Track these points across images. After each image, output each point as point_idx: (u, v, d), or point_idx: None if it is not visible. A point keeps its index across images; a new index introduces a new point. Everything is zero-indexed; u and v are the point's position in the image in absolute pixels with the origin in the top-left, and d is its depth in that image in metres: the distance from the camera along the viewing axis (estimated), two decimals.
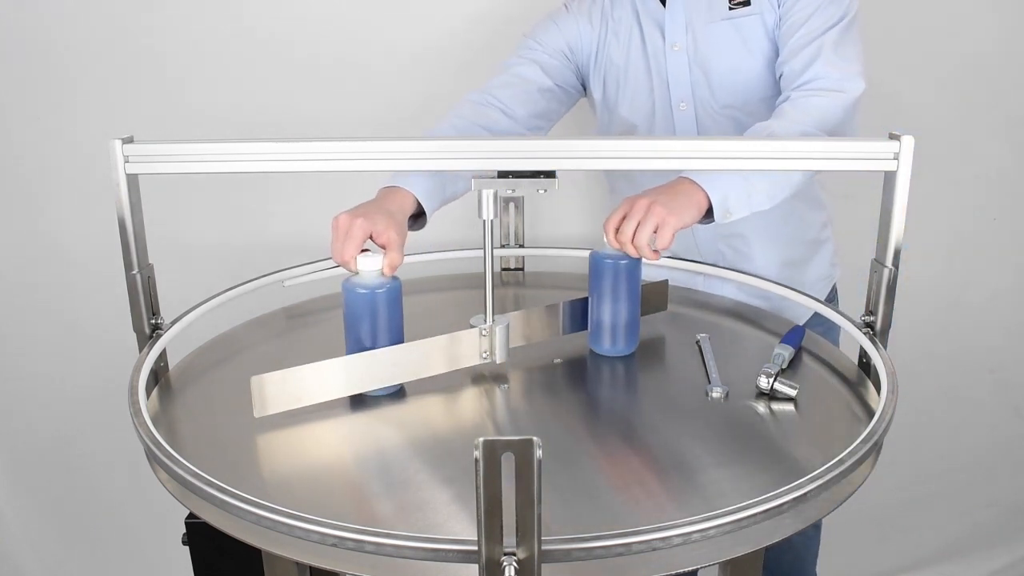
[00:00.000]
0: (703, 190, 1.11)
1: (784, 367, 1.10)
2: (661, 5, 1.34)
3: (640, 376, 1.15)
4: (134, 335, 1.11)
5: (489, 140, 1.01)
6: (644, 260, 1.12)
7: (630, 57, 1.38)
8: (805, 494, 0.80)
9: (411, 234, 1.69)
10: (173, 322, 1.14)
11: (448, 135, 1.28)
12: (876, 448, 0.91)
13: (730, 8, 1.30)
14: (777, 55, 1.29)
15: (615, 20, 1.38)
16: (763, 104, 1.33)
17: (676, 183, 1.13)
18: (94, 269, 1.71)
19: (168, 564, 1.83)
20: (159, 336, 1.11)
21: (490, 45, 1.64)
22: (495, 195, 1.03)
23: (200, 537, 1.25)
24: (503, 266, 1.52)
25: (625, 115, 1.40)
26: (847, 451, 0.86)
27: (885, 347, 1.10)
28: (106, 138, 1.02)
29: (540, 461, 0.66)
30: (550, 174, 1.02)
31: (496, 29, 1.63)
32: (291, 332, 1.29)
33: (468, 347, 1.09)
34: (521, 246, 1.51)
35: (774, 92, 1.31)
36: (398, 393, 1.08)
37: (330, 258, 1.34)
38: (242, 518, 0.80)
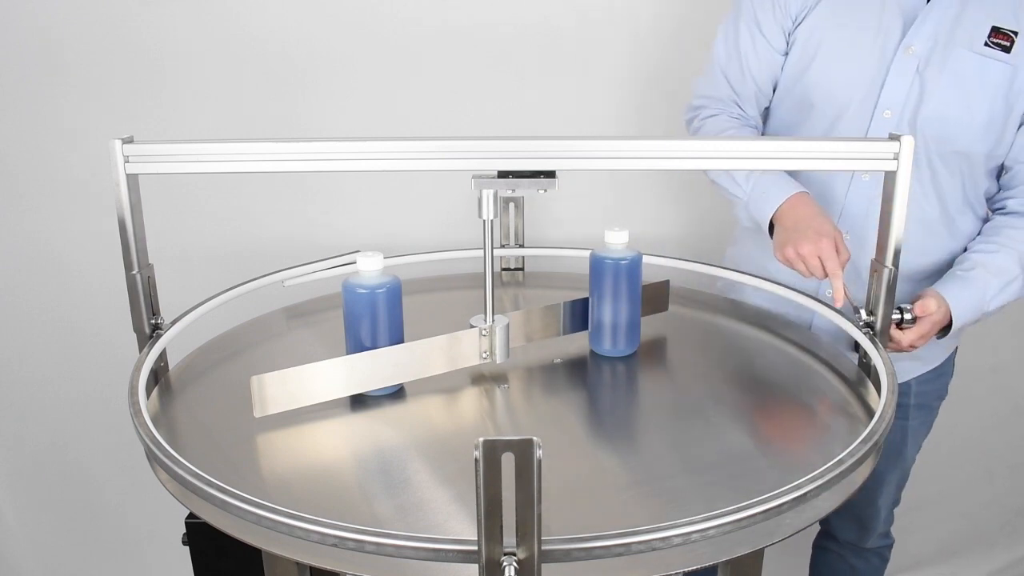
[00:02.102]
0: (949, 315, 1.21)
1: None
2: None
3: (640, 376, 1.15)
4: (134, 335, 1.11)
5: (489, 140, 1.01)
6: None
7: (852, 35, 1.26)
8: (805, 494, 0.80)
9: (411, 234, 1.70)
10: (173, 322, 1.14)
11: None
12: (876, 448, 0.91)
13: (986, 44, 1.20)
14: (1004, 117, 1.22)
15: None
16: (959, 156, 1.25)
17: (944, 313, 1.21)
18: (94, 269, 1.71)
19: (168, 564, 1.83)
20: (159, 336, 1.10)
21: (492, 45, 1.64)
22: (495, 195, 1.03)
23: (200, 537, 1.25)
24: (503, 266, 1.52)
25: (808, 93, 1.30)
26: (847, 451, 0.86)
27: (885, 347, 1.10)
28: (106, 138, 1.02)
29: (540, 461, 0.66)
30: (550, 174, 1.02)
31: (499, 31, 1.63)
32: (291, 332, 1.29)
33: (468, 347, 1.09)
34: (521, 246, 1.51)
35: (977, 150, 1.25)
36: (398, 393, 1.08)
37: (330, 258, 1.35)
38: (242, 518, 0.80)
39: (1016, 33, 1.21)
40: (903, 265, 1.10)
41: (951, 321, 1.22)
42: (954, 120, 1.23)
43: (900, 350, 1.21)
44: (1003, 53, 1.20)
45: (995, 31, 1.21)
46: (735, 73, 1.35)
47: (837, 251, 1.17)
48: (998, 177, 1.32)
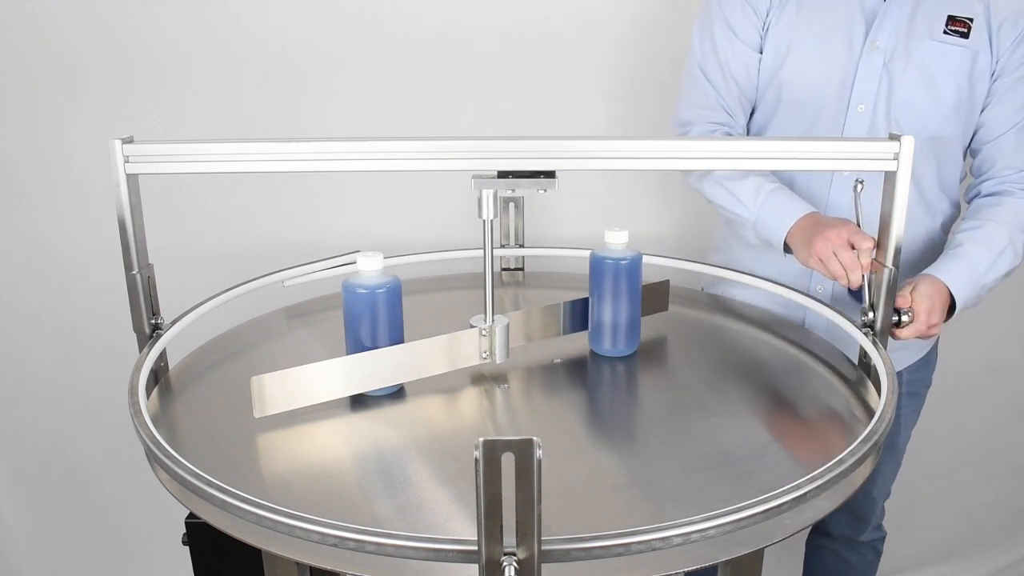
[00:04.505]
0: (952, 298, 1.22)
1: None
2: None
3: (640, 376, 1.15)
4: (134, 335, 1.11)
5: (489, 140, 1.01)
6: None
7: (820, 35, 1.30)
8: (805, 494, 0.80)
9: (411, 234, 1.70)
10: (173, 322, 1.14)
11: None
12: (876, 448, 0.91)
13: (945, 32, 1.26)
14: (969, 98, 1.27)
15: None
16: (934, 142, 1.29)
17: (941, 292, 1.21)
18: (94, 269, 1.71)
19: (168, 564, 1.83)
20: (159, 336, 1.11)
21: (492, 45, 1.64)
22: (495, 195, 1.03)
23: (200, 537, 1.25)
24: (503, 266, 1.52)
25: (782, 93, 1.33)
26: (847, 451, 0.86)
27: (885, 347, 1.10)
28: (106, 138, 1.02)
29: (540, 461, 0.66)
30: (550, 174, 1.02)
31: (499, 31, 1.63)
32: (291, 332, 1.29)
33: (468, 347, 1.09)
34: (521, 246, 1.51)
35: (950, 133, 1.29)
36: (398, 393, 1.08)
37: (330, 258, 1.36)
38: (242, 518, 0.80)
39: (972, 19, 1.26)
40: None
41: (953, 301, 1.22)
42: (924, 107, 1.28)
43: (924, 336, 1.21)
44: (961, 39, 1.26)
45: (951, 19, 1.26)
46: (717, 78, 1.37)
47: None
48: (963, 159, 1.37)
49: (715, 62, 1.36)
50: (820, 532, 1.70)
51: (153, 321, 1.12)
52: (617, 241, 1.17)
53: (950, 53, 1.26)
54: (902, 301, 1.17)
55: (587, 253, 1.19)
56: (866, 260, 1.13)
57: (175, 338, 1.13)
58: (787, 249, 1.28)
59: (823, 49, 1.30)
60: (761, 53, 1.34)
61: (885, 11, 1.28)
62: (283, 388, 0.99)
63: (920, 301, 1.17)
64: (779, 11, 1.32)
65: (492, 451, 0.65)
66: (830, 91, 1.31)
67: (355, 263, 1.06)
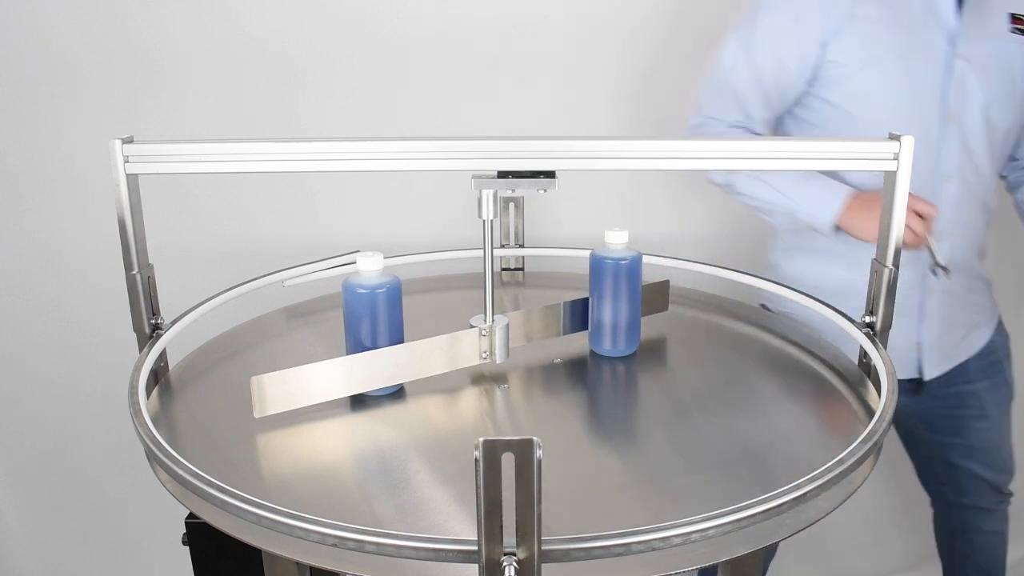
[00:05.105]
0: None
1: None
2: (955, 9, 1.29)
3: (640, 376, 1.15)
4: (134, 335, 1.11)
5: (489, 140, 1.01)
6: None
7: (894, 51, 1.30)
8: (805, 494, 0.80)
9: (411, 234, 1.70)
10: (173, 322, 1.14)
11: None
12: (876, 448, 0.91)
13: (1011, 30, 1.30)
14: None
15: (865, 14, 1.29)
16: (1004, 135, 1.33)
17: None
18: (94, 269, 1.71)
19: (168, 564, 1.83)
20: (159, 336, 1.11)
21: (492, 45, 1.64)
22: (495, 195, 1.03)
23: (200, 537, 1.25)
24: (503, 266, 1.52)
25: (853, 109, 1.32)
26: (847, 451, 0.86)
27: (885, 347, 1.10)
28: (106, 138, 1.02)
29: (540, 461, 0.66)
30: (550, 174, 1.02)
31: (498, 32, 1.63)
32: (291, 332, 1.29)
33: (468, 347, 1.09)
34: (521, 246, 1.51)
35: (1017, 126, 1.33)
36: (398, 393, 1.08)
37: (330, 258, 1.35)
38: (242, 518, 0.80)
39: None
40: (968, 262, 1.29)
41: None
42: (1001, 105, 1.32)
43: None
44: None
45: (1014, 17, 1.31)
46: (755, 99, 1.36)
47: None
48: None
49: (756, 84, 1.36)
50: (958, 508, 1.63)
51: (153, 321, 1.11)
52: (617, 241, 1.17)
53: (1020, 51, 1.31)
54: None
55: (587, 253, 1.19)
56: (932, 225, 1.22)
57: (175, 338, 1.13)
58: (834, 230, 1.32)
59: (901, 66, 1.31)
60: (815, 79, 1.34)
61: (960, 19, 1.29)
62: (283, 388, 0.99)
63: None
64: (841, 32, 1.29)
65: (492, 451, 0.65)
66: (915, 106, 1.32)
67: (355, 263, 1.06)
